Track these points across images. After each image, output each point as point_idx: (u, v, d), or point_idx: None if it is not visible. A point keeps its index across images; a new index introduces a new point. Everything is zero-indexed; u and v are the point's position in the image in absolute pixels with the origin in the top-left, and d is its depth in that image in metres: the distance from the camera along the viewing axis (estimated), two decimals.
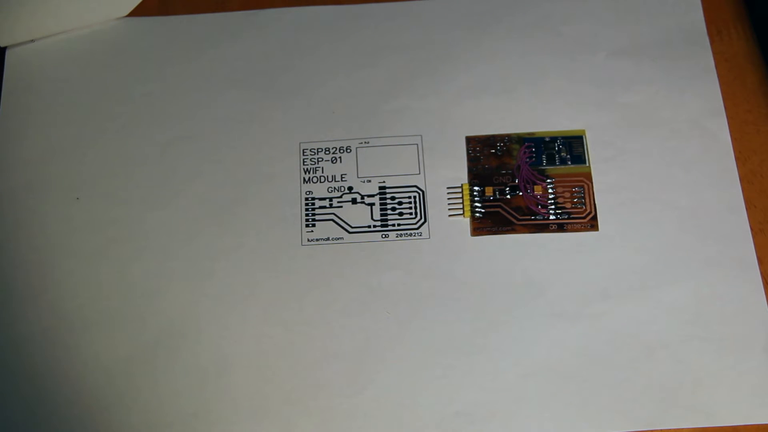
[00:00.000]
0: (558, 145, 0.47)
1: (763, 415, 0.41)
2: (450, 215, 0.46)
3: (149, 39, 0.51)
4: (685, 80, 0.48)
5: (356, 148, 0.48)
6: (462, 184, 0.47)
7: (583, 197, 0.46)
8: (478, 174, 0.47)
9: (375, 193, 0.47)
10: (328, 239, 0.46)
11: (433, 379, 0.43)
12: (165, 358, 0.43)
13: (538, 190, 0.46)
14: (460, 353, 0.43)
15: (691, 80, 0.48)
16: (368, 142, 0.48)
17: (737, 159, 0.47)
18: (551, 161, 0.47)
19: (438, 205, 0.46)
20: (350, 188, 0.47)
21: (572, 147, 0.47)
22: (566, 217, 0.46)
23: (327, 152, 0.48)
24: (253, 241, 0.46)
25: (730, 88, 0.48)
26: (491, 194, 0.46)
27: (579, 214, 0.46)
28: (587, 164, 0.47)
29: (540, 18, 0.50)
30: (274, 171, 0.47)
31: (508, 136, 0.48)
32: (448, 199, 0.47)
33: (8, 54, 0.51)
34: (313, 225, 0.46)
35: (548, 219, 0.46)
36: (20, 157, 0.48)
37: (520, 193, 0.46)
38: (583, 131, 0.48)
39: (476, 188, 0.47)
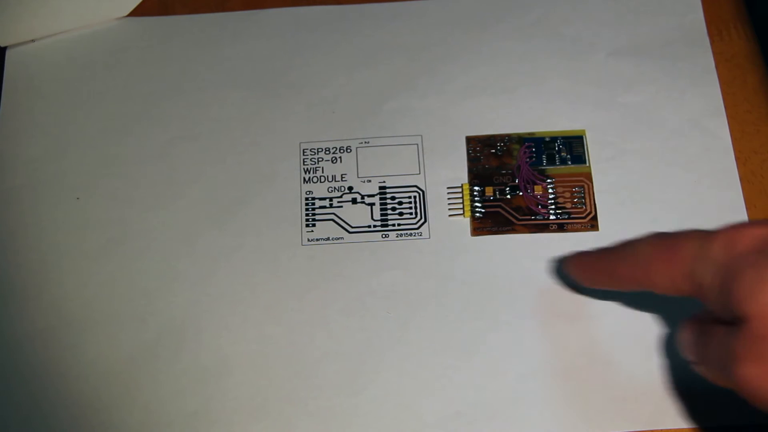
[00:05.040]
0: (558, 145, 0.47)
1: (763, 415, 0.41)
2: (450, 215, 0.46)
3: (149, 39, 0.51)
4: (685, 80, 0.48)
5: (356, 148, 0.48)
6: (462, 184, 0.47)
7: (583, 197, 0.46)
8: (478, 174, 0.47)
9: (375, 193, 0.47)
10: (328, 239, 0.46)
11: (433, 379, 0.43)
12: (165, 357, 0.43)
13: (538, 190, 0.46)
14: (460, 353, 0.43)
15: (691, 80, 0.48)
16: (368, 142, 0.48)
17: (737, 159, 0.47)
18: (551, 161, 0.47)
19: (438, 205, 0.46)
20: (350, 188, 0.47)
21: (572, 147, 0.47)
22: (566, 217, 0.46)
23: (327, 152, 0.48)
24: (253, 241, 0.46)
25: (730, 88, 0.48)
26: (491, 194, 0.46)
27: (579, 214, 0.46)
28: (587, 164, 0.47)
29: (540, 18, 0.50)
30: (274, 171, 0.47)
31: (508, 136, 0.48)
32: (448, 199, 0.47)
33: (8, 54, 0.51)
34: (313, 225, 0.46)
35: (548, 219, 0.46)
36: (20, 157, 0.48)
37: (520, 193, 0.46)
38: (583, 131, 0.48)
39: (476, 188, 0.47)
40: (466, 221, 0.46)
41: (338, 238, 0.46)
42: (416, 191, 0.47)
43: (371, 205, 0.47)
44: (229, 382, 0.43)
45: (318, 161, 0.48)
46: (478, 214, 0.46)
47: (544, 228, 0.46)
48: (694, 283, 0.36)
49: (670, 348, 0.43)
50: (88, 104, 0.49)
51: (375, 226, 0.46)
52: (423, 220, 0.46)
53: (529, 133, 0.48)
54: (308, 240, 0.46)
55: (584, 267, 0.41)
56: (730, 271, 0.34)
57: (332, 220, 0.46)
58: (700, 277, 0.35)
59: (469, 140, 0.48)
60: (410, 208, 0.46)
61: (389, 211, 0.46)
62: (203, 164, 0.48)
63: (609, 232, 0.45)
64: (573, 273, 0.42)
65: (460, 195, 0.47)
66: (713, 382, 0.36)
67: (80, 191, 0.47)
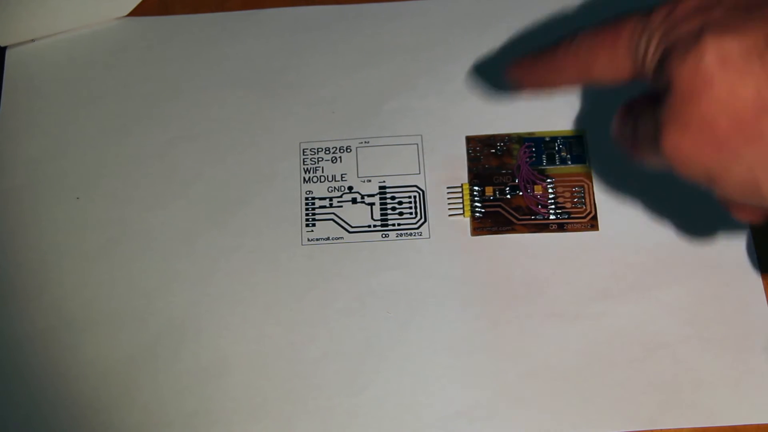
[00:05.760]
0: (558, 145, 0.47)
1: (763, 415, 0.41)
2: (450, 215, 0.46)
3: (149, 39, 0.51)
4: None
5: (356, 148, 0.48)
6: (462, 184, 0.47)
7: (583, 197, 0.46)
8: (478, 174, 0.47)
9: (375, 192, 0.47)
10: (328, 239, 0.46)
11: (433, 379, 0.43)
12: (165, 357, 0.43)
13: (538, 190, 0.46)
14: (460, 353, 0.43)
15: None
16: (368, 142, 0.48)
17: None
18: (551, 161, 0.47)
19: (438, 205, 0.46)
20: (350, 188, 0.47)
21: (572, 147, 0.47)
22: (566, 217, 0.46)
23: (327, 152, 0.48)
24: (253, 241, 0.46)
25: None
26: (491, 194, 0.46)
27: (579, 214, 0.46)
28: (587, 164, 0.47)
29: (540, 18, 0.50)
30: (274, 171, 0.47)
31: (508, 136, 0.48)
32: (448, 199, 0.47)
33: (8, 54, 0.51)
34: (313, 225, 0.46)
35: (548, 219, 0.46)
36: (20, 157, 0.48)
37: (520, 193, 0.46)
38: (583, 131, 0.48)
39: (476, 188, 0.47)
40: (466, 221, 0.46)
41: (338, 238, 0.46)
42: (416, 191, 0.47)
43: (371, 204, 0.47)
44: (229, 382, 0.43)
45: (318, 161, 0.48)
46: (478, 214, 0.46)
47: (544, 228, 0.46)
48: (636, 59, 0.34)
49: (670, 348, 0.43)
50: (88, 104, 0.49)
51: (375, 225, 0.46)
52: (423, 219, 0.46)
53: (529, 133, 0.48)
54: (308, 240, 0.46)
55: (526, 66, 0.39)
56: (668, 36, 0.33)
57: (332, 220, 0.46)
58: (642, 51, 0.34)
59: (469, 140, 0.48)
60: (410, 208, 0.46)
61: (389, 211, 0.46)
62: (203, 164, 0.48)
63: (609, 232, 0.45)
64: (515, 77, 0.39)
65: (460, 195, 0.46)
66: (648, 166, 0.35)
67: (80, 191, 0.47)
